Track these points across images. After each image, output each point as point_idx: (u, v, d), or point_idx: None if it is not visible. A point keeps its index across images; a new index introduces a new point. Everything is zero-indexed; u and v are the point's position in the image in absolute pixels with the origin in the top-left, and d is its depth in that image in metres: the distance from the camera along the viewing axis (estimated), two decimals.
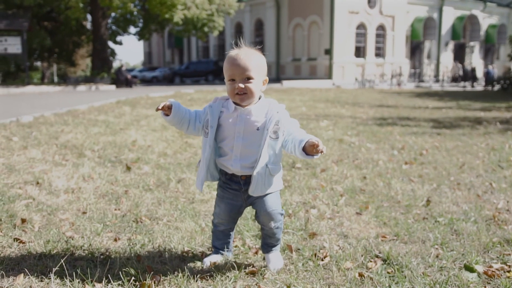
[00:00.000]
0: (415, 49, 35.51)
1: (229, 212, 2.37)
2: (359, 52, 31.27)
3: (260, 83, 2.20)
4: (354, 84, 27.56)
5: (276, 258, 2.43)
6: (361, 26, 31.01)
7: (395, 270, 2.40)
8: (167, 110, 2.22)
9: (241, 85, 2.13)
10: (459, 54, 37.84)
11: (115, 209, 3.35)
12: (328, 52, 29.95)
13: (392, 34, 32.36)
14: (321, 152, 2.07)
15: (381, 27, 32.01)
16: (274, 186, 2.30)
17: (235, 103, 2.20)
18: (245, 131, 2.19)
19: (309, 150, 2.09)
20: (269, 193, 2.30)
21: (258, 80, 2.17)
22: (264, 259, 2.50)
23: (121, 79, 25.77)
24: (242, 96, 2.15)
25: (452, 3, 35.75)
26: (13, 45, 23.65)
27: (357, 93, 19.35)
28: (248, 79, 2.14)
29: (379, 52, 32.34)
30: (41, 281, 2.23)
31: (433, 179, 4.44)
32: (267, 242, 2.43)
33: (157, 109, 2.21)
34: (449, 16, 36.11)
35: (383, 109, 11.96)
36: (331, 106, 12.57)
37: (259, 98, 2.24)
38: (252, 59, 2.15)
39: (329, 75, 29.93)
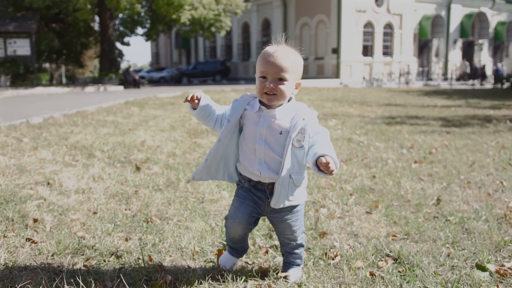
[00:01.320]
0: (423, 47, 35.32)
1: (249, 216, 2.17)
2: (367, 51, 31.18)
3: (292, 86, 2.04)
4: (361, 83, 27.48)
5: (296, 272, 2.30)
6: (369, 24, 30.91)
7: (406, 269, 2.39)
8: (194, 103, 2.12)
9: (272, 85, 1.98)
10: (468, 52, 37.59)
11: (126, 209, 3.36)
12: (336, 51, 29.88)
13: (400, 32, 32.23)
14: (331, 173, 1.90)
15: (389, 26, 31.88)
16: (298, 198, 2.14)
17: (261, 102, 2.07)
18: (267, 134, 2.04)
19: (321, 166, 1.93)
20: (292, 207, 2.14)
21: (291, 82, 2.02)
22: (274, 258, 2.50)
23: (129, 80, 25.89)
24: (271, 96, 2.00)
25: (461, 0, 35.52)
26: (22, 47, 23.90)
27: (365, 92, 19.29)
28: (281, 79, 1.99)
29: (387, 51, 32.22)
30: (54, 280, 2.25)
31: (443, 177, 4.42)
32: (289, 261, 2.30)
33: (186, 100, 2.12)
34: (458, 13, 35.87)
35: (392, 108, 11.91)
36: (339, 105, 12.54)
37: (288, 101, 2.09)
38: (289, 59, 2.00)
39: (336, 74, 29.86)
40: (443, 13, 35.06)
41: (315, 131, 2.05)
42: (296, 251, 2.29)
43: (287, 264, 2.30)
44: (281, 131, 2.02)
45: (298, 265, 2.31)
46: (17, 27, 23.99)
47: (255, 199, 2.15)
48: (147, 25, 29.40)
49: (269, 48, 2.05)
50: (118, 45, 29.96)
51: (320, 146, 2.00)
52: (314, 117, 2.07)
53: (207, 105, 2.13)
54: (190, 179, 4.23)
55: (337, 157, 1.94)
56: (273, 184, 2.07)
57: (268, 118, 2.04)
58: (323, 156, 1.91)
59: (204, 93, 2.13)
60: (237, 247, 2.34)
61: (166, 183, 4.12)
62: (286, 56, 2.00)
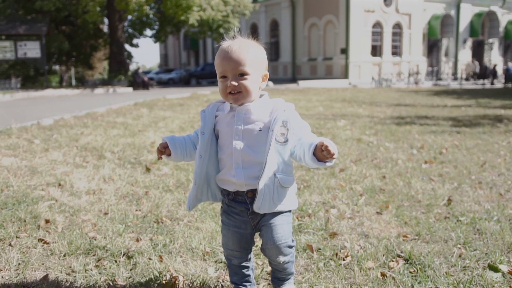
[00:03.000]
0: (432, 47, 35.13)
1: (238, 242, 1.96)
2: (376, 51, 31.08)
3: (258, 80, 1.83)
4: (370, 83, 27.38)
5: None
6: (377, 24, 30.81)
7: (417, 270, 2.38)
8: (166, 151, 1.94)
9: (234, 83, 1.77)
10: (478, 51, 37.32)
11: (136, 210, 3.38)
12: (344, 51, 29.81)
13: (409, 32, 32.09)
14: (333, 156, 1.68)
15: (398, 25, 31.75)
16: (286, 203, 1.89)
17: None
18: (244, 132, 1.82)
19: (320, 155, 1.72)
20: (279, 214, 1.89)
21: (255, 76, 1.81)
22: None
23: (138, 82, 26.01)
24: (235, 95, 1.79)
25: None
26: (32, 50, 24.12)
27: (374, 92, 19.22)
28: (242, 75, 1.78)
29: (396, 51, 32.10)
30: (66, 280, 2.27)
31: (453, 178, 4.39)
32: (278, 276, 2.05)
33: (159, 158, 1.97)
34: (467, 12, 35.64)
35: (401, 108, 11.86)
36: (348, 105, 12.50)
37: (260, 97, 1.89)
38: (247, 52, 1.79)
39: (345, 75, 29.79)
40: (453, 12, 34.84)
41: (299, 125, 1.85)
42: (286, 269, 2.01)
43: (277, 281, 2.07)
44: (260, 128, 1.80)
45: (288, 279, 2.07)
46: (28, 29, 24.24)
47: (238, 220, 1.92)
48: (156, 27, 29.57)
49: (223, 44, 1.84)
50: (127, 46, 30.15)
51: (309, 138, 1.81)
52: (294, 110, 1.87)
53: (174, 144, 1.94)
54: None
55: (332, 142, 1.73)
56: (253, 191, 1.84)
57: (242, 114, 1.83)
58: (320, 142, 1.71)
59: (167, 136, 1.96)
60: (239, 279, 2.08)
61: (176, 184, 4.14)
62: (243, 48, 1.80)
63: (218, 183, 1.94)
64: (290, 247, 1.93)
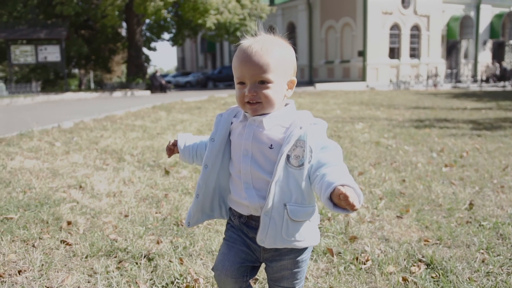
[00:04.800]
0: (451, 49, 34.70)
1: (238, 266, 1.59)
2: (393, 53, 30.82)
3: (282, 87, 1.52)
4: (388, 85, 27.15)
5: None
6: (395, 26, 30.56)
7: (439, 275, 2.35)
8: (176, 149, 1.80)
9: (253, 92, 1.47)
10: (498, 53, 36.74)
11: (156, 212, 3.41)
12: (362, 54, 29.64)
13: (427, 34, 31.76)
14: (353, 208, 1.29)
15: (416, 27, 31.46)
16: (302, 239, 1.53)
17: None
18: (254, 148, 1.51)
19: (338, 201, 1.33)
20: (295, 253, 1.59)
21: (279, 84, 1.49)
22: None
23: (156, 85, 26.24)
24: (254, 106, 1.49)
25: (490, 0, 34.79)
26: (52, 54, 24.55)
27: (392, 95, 19.06)
28: (263, 82, 1.47)
29: (414, 53, 31.79)
30: (88, 282, 2.30)
31: (475, 182, 4.33)
32: None
33: (169, 156, 1.83)
34: (487, 14, 35.14)
35: (420, 110, 11.73)
36: (365, 108, 12.43)
37: (285, 106, 1.57)
38: (270, 54, 1.47)
39: (362, 77, 29.60)
40: (472, 13, 34.38)
41: (321, 144, 1.48)
42: None
43: None
44: (271, 144, 1.49)
45: None
46: (48, 34, 24.68)
47: (248, 242, 1.61)
48: (173, 30, 29.81)
49: (243, 44, 1.52)
50: (145, 50, 30.47)
51: (332, 172, 1.41)
52: (320, 128, 1.51)
53: (185, 143, 1.77)
54: None
55: (358, 187, 1.35)
56: None
57: (253, 127, 1.52)
58: (341, 186, 1.32)
59: (182, 134, 1.80)
60: None
61: (195, 187, 4.15)
62: (265, 50, 1.47)
63: (230, 203, 1.65)
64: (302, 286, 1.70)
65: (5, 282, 2.29)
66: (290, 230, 1.49)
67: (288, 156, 1.46)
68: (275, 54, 1.47)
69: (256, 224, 1.54)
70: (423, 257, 2.58)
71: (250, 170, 1.52)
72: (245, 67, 1.47)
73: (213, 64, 45.69)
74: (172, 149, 1.80)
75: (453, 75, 33.82)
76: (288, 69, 1.52)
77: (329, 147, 1.48)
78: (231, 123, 1.60)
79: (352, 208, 1.29)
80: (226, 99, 16.60)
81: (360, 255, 2.60)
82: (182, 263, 2.49)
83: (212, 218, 1.73)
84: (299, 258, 1.60)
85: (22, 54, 24.34)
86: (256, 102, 1.48)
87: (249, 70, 1.46)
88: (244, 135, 1.53)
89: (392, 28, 30.42)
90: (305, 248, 1.60)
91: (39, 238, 2.86)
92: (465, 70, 35.27)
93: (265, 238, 1.50)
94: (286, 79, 1.52)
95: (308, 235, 1.54)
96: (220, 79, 34.09)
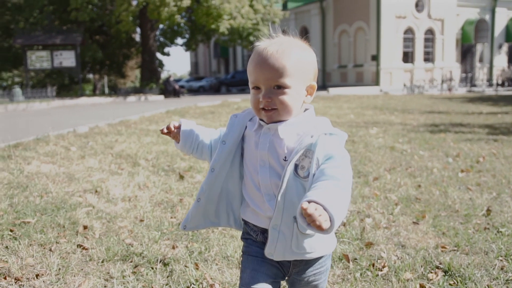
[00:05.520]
0: (466, 53, 34.40)
1: (272, 280, 1.49)
2: (407, 57, 30.65)
3: (301, 93, 1.42)
4: (402, 90, 26.99)
5: None
6: (409, 30, 30.41)
7: (457, 282, 2.32)
8: (174, 133, 1.62)
9: (268, 98, 1.38)
10: None
11: (171, 217, 3.42)
12: (375, 58, 29.53)
13: (442, 38, 31.54)
14: (319, 228, 1.16)
15: (430, 31, 31.26)
16: (314, 250, 1.46)
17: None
18: (270, 158, 1.41)
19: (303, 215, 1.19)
20: (314, 264, 1.51)
21: (297, 89, 1.40)
22: None
23: (169, 89, 26.42)
24: (269, 112, 1.39)
25: (505, 3, 34.44)
26: (67, 59, 24.90)
27: (406, 99, 18.93)
28: (280, 87, 1.37)
29: (428, 57, 31.58)
30: (105, 286, 2.31)
31: (492, 187, 4.27)
32: None
33: (162, 132, 1.62)
34: (502, 17, 34.79)
35: (434, 115, 11.64)
36: (379, 113, 12.36)
37: (304, 112, 1.47)
38: (288, 57, 1.37)
39: (376, 82, 29.48)
40: (487, 17, 34.07)
41: (327, 154, 1.36)
42: None
43: None
44: (285, 156, 1.39)
45: None
46: (63, 39, 25.04)
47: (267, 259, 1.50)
48: (187, 36, 30.05)
49: (259, 46, 1.42)
50: (158, 55, 30.73)
51: (318, 186, 1.28)
52: (335, 139, 1.39)
53: (189, 131, 1.60)
54: None
55: (345, 205, 1.25)
56: None
57: (269, 136, 1.42)
58: (308, 201, 1.19)
59: (186, 119, 1.63)
60: None
61: None
62: (281, 53, 1.37)
63: (248, 218, 1.51)
64: None
65: (24, 285, 2.31)
66: (300, 242, 1.42)
67: (296, 166, 1.37)
68: (292, 56, 1.38)
69: None
70: (440, 263, 2.55)
71: (269, 181, 1.41)
72: (260, 71, 1.38)
73: (226, 69, 45.85)
74: (172, 131, 1.61)
75: (468, 79, 33.50)
76: (307, 73, 1.42)
77: (334, 157, 1.36)
78: (246, 127, 1.50)
79: (317, 228, 1.16)
80: (239, 103, 16.64)
81: (377, 261, 2.57)
82: (197, 268, 2.50)
83: (218, 226, 1.64)
84: (316, 273, 1.52)
85: (38, 59, 24.73)
86: (271, 109, 1.38)
87: (264, 74, 1.37)
88: (260, 144, 1.43)
89: (406, 32, 30.27)
90: (321, 257, 1.51)
91: (56, 242, 2.88)
92: (480, 74, 34.92)
93: (273, 252, 1.43)
94: (304, 84, 1.42)
95: (319, 246, 1.46)
96: (233, 83, 34.21)
